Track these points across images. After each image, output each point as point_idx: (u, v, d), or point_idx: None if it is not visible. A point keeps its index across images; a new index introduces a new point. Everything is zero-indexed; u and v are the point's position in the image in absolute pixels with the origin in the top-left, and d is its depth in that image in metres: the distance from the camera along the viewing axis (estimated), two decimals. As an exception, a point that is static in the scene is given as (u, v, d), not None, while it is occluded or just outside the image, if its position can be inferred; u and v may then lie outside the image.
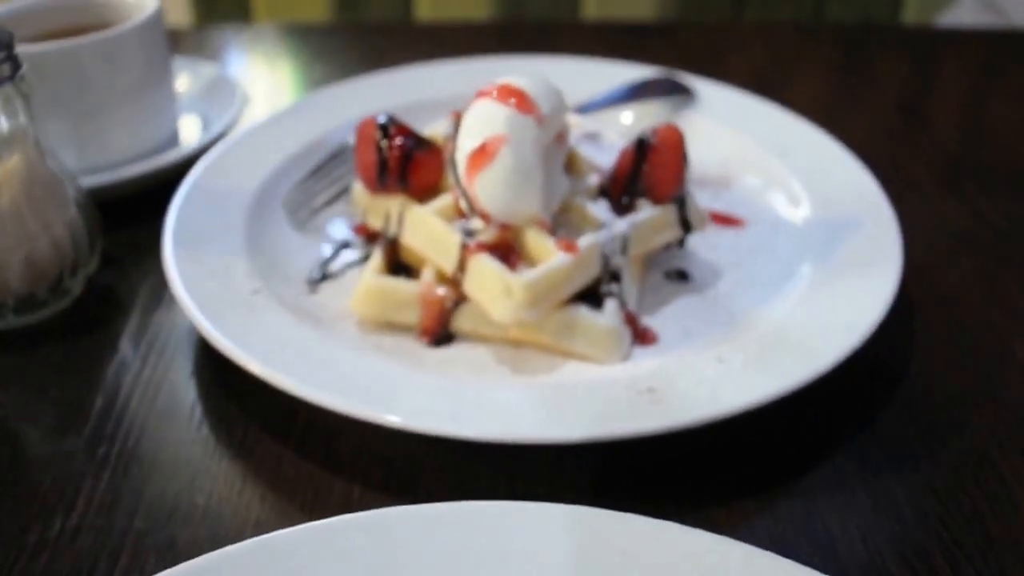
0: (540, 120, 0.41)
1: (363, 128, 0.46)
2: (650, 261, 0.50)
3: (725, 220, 0.54)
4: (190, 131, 0.63)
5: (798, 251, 0.50)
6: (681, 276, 0.50)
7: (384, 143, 0.45)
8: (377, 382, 0.41)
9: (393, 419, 0.38)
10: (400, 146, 0.45)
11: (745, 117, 0.61)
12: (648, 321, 0.46)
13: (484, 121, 0.41)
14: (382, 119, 0.46)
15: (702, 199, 0.55)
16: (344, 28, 1.01)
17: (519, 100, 0.41)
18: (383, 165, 0.45)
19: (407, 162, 0.45)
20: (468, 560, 0.31)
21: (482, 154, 0.41)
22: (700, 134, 0.61)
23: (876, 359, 0.46)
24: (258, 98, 0.71)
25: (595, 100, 0.61)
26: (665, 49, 0.80)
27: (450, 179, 0.45)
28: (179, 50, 0.75)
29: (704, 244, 0.52)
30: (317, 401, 0.39)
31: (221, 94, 0.65)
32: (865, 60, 0.81)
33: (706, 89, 0.63)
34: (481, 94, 0.42)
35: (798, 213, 0.54)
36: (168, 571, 0.30)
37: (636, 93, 0.62)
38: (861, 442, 0.43)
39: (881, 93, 0.75)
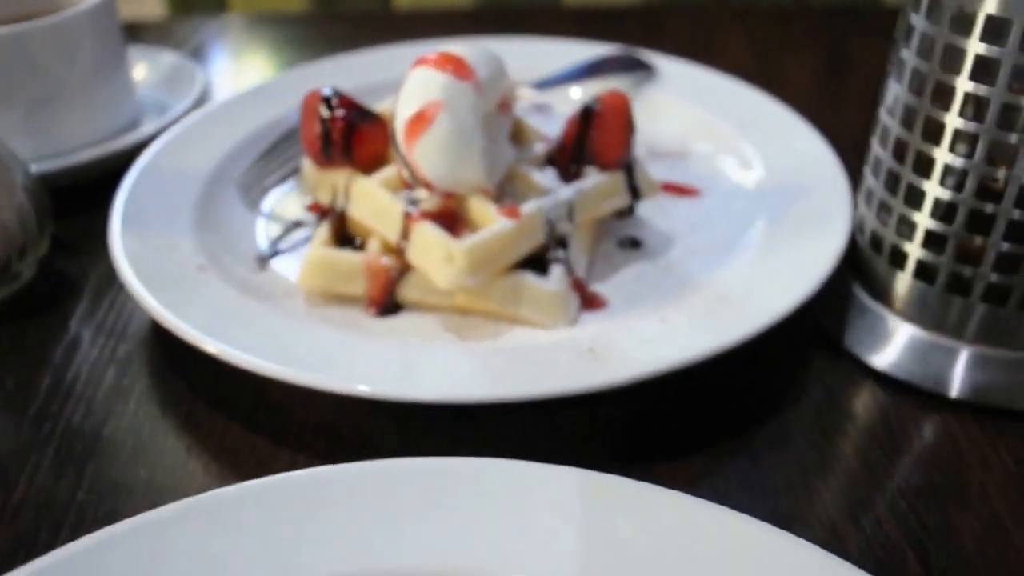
0: (478, 86, 0.41)
1: (307, 101, 0.46)
2: (603, 229, 0.50)
3: (680, 190, 0.54)
4: (149, 118, 0.63)
5: (750, 218, 0.50)
6: (634, 244, 0.50)
7: (327, 116, 0.45)
8: (321, 350, 0.41)
9: (334, 384, 0.38)
10: (343, 118, 0.45)
11: (704, 91, 0.61)
12: (598, 287, 0.46)
13: (421, 88, 0.41)
14: (326, 92, 0.45)
15: (659, 171, 0.55)
16: (320, 17, 1.01)
17: (456, 66, 0.41)
18: (327, 138, 0.45)
19: (351, 134, 0.45)
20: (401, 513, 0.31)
21: (419, 121, 0.41)
22: (660, 109, 0.61)
23: (818, 316, 0.47)
24: (230, 87, 0.72)
25: (554, 76, 0.61)
26: (645, 33, 0.80)
27: (393, 150, 0.45)
28: (152, 40, 0.76)
29: (658, 213, 0.52)
30: (259, 370, 0.39)
31: (182, 81, 0.65)
32: (845, 42, 0.81)
33: (666, 65, 0.63)
34: (419, 61, 0.42)
35: (752, 182, 0.54)
36: (93, 535, 0.30)
37: (596, 69, 0.62)
38: (809, 399, 0.43)
39: (857, 75, 0.76)
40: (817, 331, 0.47)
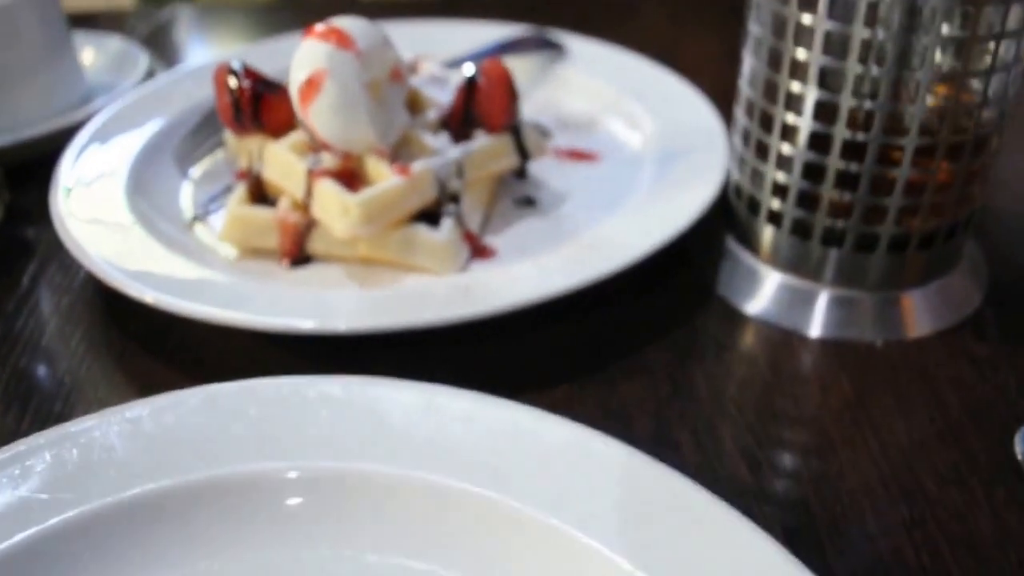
0: (359, 55, 0.46)
1: (217, 74, 0.51)
2: (501, 189, 0.55)
3: (579, 155, 0.59)
4: (98, 98, 0.68)
5: (639, 178, 0.55)
6: (529, 202, 0.55)
7: (235, 86, 0.50)
8: (236, 295, 0.46)
9: (240, 319, 0.43)
10: (250, 88, 0.50)
11: (609, 68, 0.66)
12: (491, 240, 0.51)
13: (308, 57, 0.46)
14: (234, 64, 0.51)
15: (564, 140, 0.60)
16: (286, 5, 1.06)
17: (338, 37, 0.46)
18: (237, 107, 0.50)
19: (257, 103, 0.50)
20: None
21: (309, 86, 0.46)
22: (569, 85, 0.66)
23: (695, 267, 0.52)
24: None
25: (467, 55, 0.66)
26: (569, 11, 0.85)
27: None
28: (116, 29, 0.80)
29: (556, 175, 0.57)
30: (182, 312, 0.44)
31: (128, 64, 0.70)
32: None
33: (576, 44, 0.68)
34: (307, 34, 0.47)
35: (646, 147, 0.59)
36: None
37: (508, 48, 0.67)
38: (673, 336, 0.48)
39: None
40: (698, 282, 0.52)
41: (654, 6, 0.91)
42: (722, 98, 0.62)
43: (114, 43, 0.73)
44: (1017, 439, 0.41)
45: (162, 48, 0.84)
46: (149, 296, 0.45)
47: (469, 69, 0.51)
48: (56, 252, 0.56)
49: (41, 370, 0.47)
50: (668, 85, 0.63)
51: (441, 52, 0.65)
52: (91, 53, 0.71)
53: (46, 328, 0.50)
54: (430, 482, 0.33)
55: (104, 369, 0.47)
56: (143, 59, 0.69)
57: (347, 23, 0.47)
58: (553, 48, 0.67)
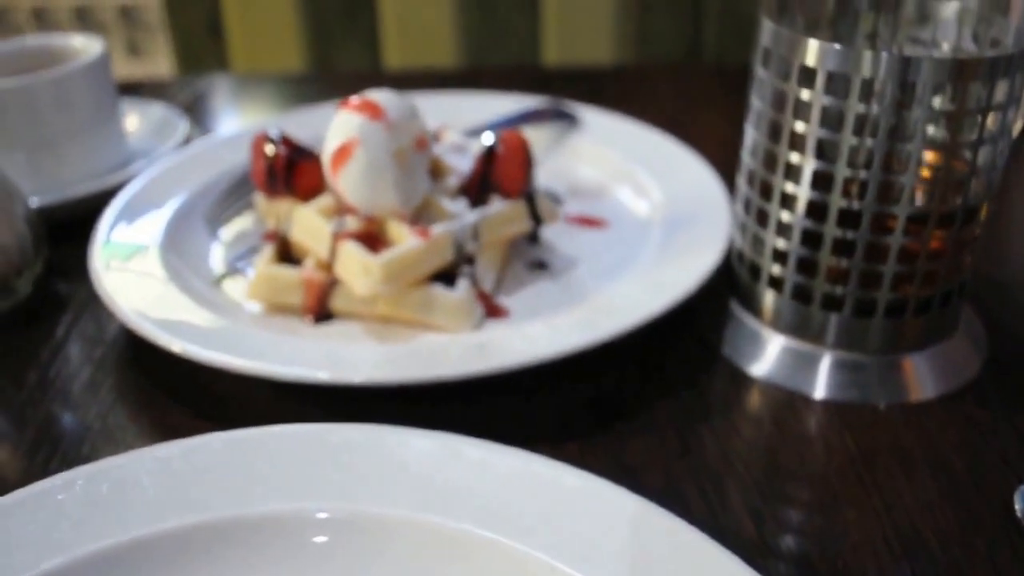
0: (389, 127, 0.49)
1: (256, 141, 0.54)
2: (514, 252, 0.57)
3: (589, 222, 0.62)
4: (139, 161, 0.72)
5: (646, 244, 0.58)
6: (541, 266, 0.57)
7: (271, 153, 0.53)
8: (260, 347, 0.48)
9: (265, 370, 0.45)
10: (285, 156, 0.53)
11: (620, 138, 0.69)
12: (504, 301, 0.54)
13: (342, 127, 0.49)
14: (271, 132, 0.54)
15: (575, 207, 0.63)
16: (315, 75, 1.11)
17: (370, 109, 0.49)
18: (271, 172, 0.53)
19: (291, 169, 0.53)
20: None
21: (341, 154, 0.49)
22: (581, 154, 0.70)
23: (701, 329, 0.54)
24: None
25: (487, 124, 0.69)
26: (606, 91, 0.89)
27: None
28: (159, 97, 0.85)
29: (568, 241, 0.60)
30: (208, 361, 0.46)
31: (169, 130, 0.74)
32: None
33: (589, 116, 0.72)
34: (341, 105, 0.51)
35: (653, 214, 0.61)
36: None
37: (525, 119, 0.70)
38: (679, 397, 0.50)
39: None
40: (703, 344, 0.54)
41: (663, 80, 0.95)
42: (725, 166, 0.65)
43: (157, 110, 0.77)
44: (1017, 497, 0.42)
45: (201, 114, 0.89)
46: (176, 345, 0.47)
47: (488, 138, 0.54)
48: (90, 305, 0.59)
49: (71, 414, 0.50)
50: (674, 155, 0.66)
51: (462, 121, 0.68)
52: (135, 119, 0.76)
53: (78, 376, 0.53)
54: (449, 526, 0.35)
55: (132, 415, 0.50)
56: (183, 126, 0.73)
57: (380, 96, 0.50)
58: (567, 119, 0.70)
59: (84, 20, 1.58)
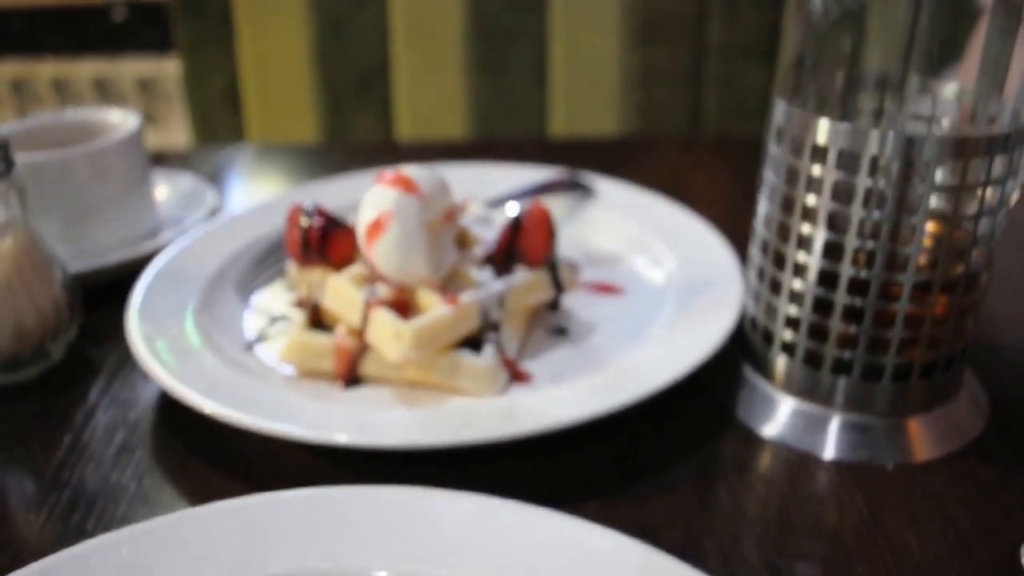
0: (422, 200, 0.52)
1: (291, 213, 0.57)
2: (535, 319, 0.60)
3: (606, 289, 0.64)
4: (167, 229, 0.75)
5: (661, 310, 0.60)
6: (561, 332, 0.59)
7: (306, 224, 0.56)
8: (293, 411, 0.50)
9: (298, 433, 0.47)
10: (319, 226, 0.56)
11: (633, 208, 0.72)
12: (527, 366, 0.56)
13: (377, 200, 0.52)
14: (306, 205, 0.57)
15: (592, 274, 0.66)
16: (329, 146, 1.14)
17: (405, 184, 0.52)
18: (306, 242, 0.56)
19: (324, 239, 0.56)
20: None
21: (376, 227, 0.52)
22: (597, 223, 0.72)
23: (715, 392, 0.56)
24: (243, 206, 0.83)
25: (507, 195, 0.72)
26: (612, 160, 0.92)
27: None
28: (178, 165, 0.88)
29: (586, 307, 0.62)
30: (242, 425, 0.48)
31: (196, 200, 0.77)
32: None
33: (603, 186, 0.75)
34: (377, 179, 0.53)
35: (667, 280, 0.64)
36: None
37: (542, 190, 0.73)
38: (695, 458, 0.51)
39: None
40: (718, 407, 0.56)
41: (667, 151, 0.99)
42: (731, 233, 0.68)
43: (185, 180, 0.80)
44: (1022, 551, 0.44)
45: (224, 184, 0.92)
46: (208, 407, 0.49)
47: (513, 209, 0.57)
48: (123, 369, 0.61)
49: (107, 477, 0.51)
50: (685, 224, 0.69)
51: (482, 192, 0.71)
52: (164, 188, 0.79)
53: (112, 439, 0.54)
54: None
55: (166, 477, 0.51)
56: (210, 195, 0.76)
57: (413, 171, 0.53)
58: (583, 189, 0.73)
59: (103, 90, 1.62)
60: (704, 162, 0.96)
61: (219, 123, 1.20)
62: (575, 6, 1.12)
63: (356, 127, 1.19)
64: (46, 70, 1.70)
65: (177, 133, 1.23)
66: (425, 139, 1.17)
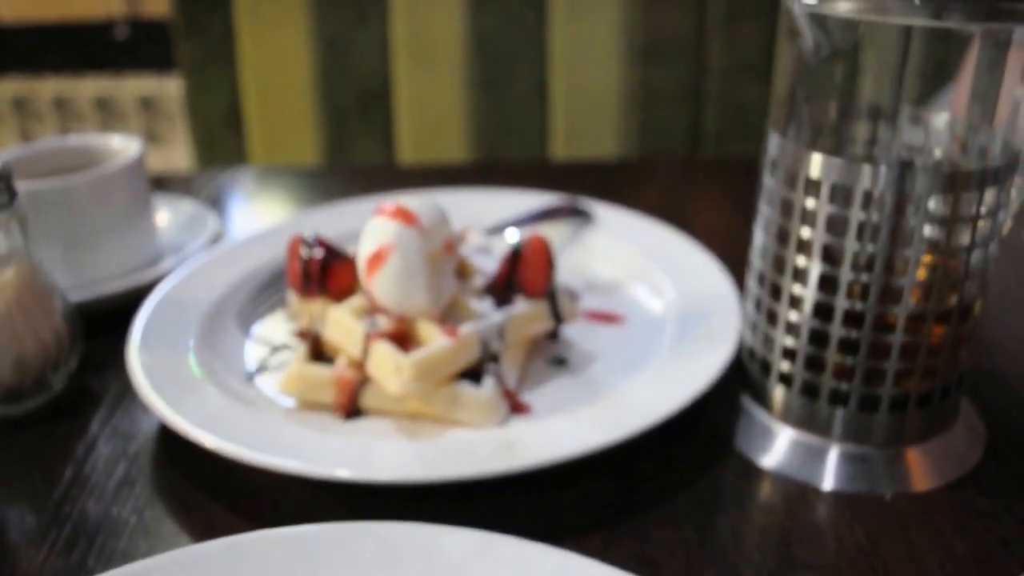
0: (422, 232, 0.52)
1: (292, 244, 0.57)
2: (535, 349, 0.60)
3: (606, 318, 0.65)
4: (169, 256, 0.75)
5: (660, 340, 0.60)
6: (560, 362, 0.60)
7: (307, 256, 0.56)
8: (294, 445, 0.50)
9: (301, 468, 0.47)
10: (320, 259, 0.56)
11: (633, 235, 0.73)
12: (527, 397, 0.56)
13: (377, 233, 0.52)
14: (306, 236, 0.57)
15: (591, 302, 0.66)
16: (331, 169, 1.15)
17: (405, 216, 0.52)
18: (306, 274, 0.56)
19: (325, 271, 0.56)
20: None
21: (376, 259, 0.52)
22: (596, 250, 0.73)
23: (713, 422, 0.56)
24: (245, 230, 0.83)
25: (505, 222, 0.73)
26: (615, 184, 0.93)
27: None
28: (178, 190, 0.88)
29: (585, 337, 0.62)
30: (243, 459, 0.49)
31: (198, 225, 0.77)
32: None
33: (603, 212, 0.75)
34: (377, 212, 0.54)
35: (665, 309, 0.64)
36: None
37: (542, 217, 0.73)
38: (694, 489, 0.52)
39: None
40: (716, 437, 0.56)
41: (667, 172, 1.00)
42: (729, 255, 0.68)
43: (187, 206, 0.81)
44: (1020, 583, 0.44)
45: (225, 207, 0.92)
46: (210, 442, 0.50)
47: (513, 239, 0.57)
48: (123, 400, 0.61)
49: (108, 510, 0.51)
50: (685, 251, 0.70)
51: (482, 219, 0.71)
52: (166, 214, 0.79)
53: (113, 471, 0.54)
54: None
55: (168, 510, 0.51)
56: (212, 221, 0.76)
57: (413, 202, 0.53)
58: (582, 215, 0.74)
59: (105, 109, 1.63)
60: (703, 184, 0.96)
61: (221, 142, 1.21)
62: (576, 26, 1.13)
63: (357, 149, 1.20)
64: (48, 88, 1.71)
65: (179, 152, 1.23)
66: (426, 161, 1.18)
